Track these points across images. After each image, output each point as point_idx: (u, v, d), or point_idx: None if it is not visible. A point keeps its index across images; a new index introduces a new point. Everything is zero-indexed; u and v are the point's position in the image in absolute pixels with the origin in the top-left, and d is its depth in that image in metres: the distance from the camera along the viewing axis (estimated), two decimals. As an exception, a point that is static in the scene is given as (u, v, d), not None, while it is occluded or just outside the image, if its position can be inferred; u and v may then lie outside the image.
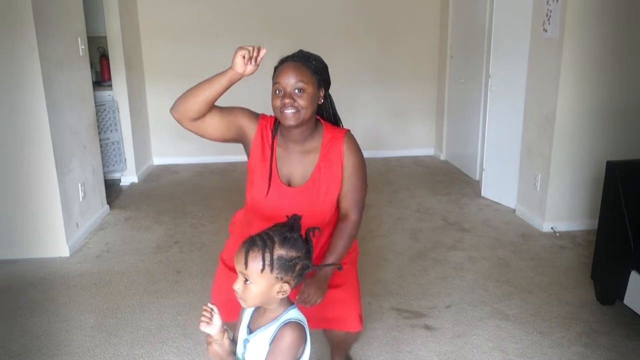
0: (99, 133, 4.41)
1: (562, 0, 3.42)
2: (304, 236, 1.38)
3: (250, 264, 1.29)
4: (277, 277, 1.30)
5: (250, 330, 1.41)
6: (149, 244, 3.65)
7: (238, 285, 1.33)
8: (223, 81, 1.67)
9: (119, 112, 4.88)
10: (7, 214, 3.37)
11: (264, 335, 1.36)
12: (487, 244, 3.58)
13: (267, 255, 1.29)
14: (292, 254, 1.32)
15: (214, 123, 1.76)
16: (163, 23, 5.40)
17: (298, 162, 1.83)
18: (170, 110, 1.76)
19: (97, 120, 4.34)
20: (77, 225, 3.63)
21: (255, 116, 1.87)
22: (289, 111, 1.71)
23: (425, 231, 3.81)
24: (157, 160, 5.72)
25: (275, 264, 1.29)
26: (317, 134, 1.84)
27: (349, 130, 1.89)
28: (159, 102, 5.56)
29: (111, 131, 4.86)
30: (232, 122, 1.81)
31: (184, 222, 4.02)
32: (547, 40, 3.62)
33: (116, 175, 5.02)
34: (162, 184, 5.09)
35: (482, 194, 4.47)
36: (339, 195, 1.87)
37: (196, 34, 5.44)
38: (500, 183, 4.29)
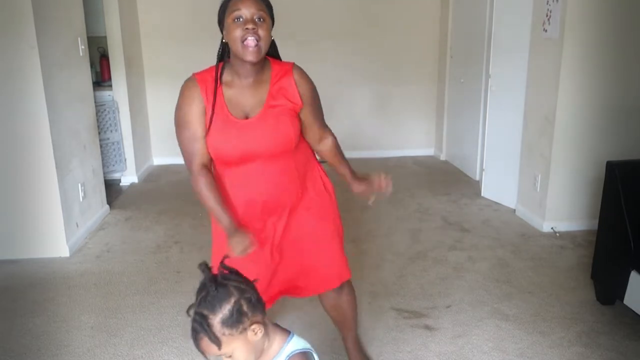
0: (99, 133, 4.41)
1: (562, 0, 3.42)
2: (217, 275, 1.27)
3: (209, 349, 1.23)
4: (240, 332, 1.23)
5: None
6: (149, 244, 3.65)
7: None
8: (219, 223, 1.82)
9: (119, 112, 4.88)
10: (7, 214, 3.37)
11: None
12: (487, 244, 3.58)
13: (211, 334, 1.21)
14: (228, 307, 1.22)
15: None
16: (163, 23, 5.39)
17: (250, 95, 1.76)
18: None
19: (97, 120, 4.34)
20: (77, 226, 3.63)
21: (194, 94, 1.77)
22: (252, 39, 1.64)
23: (425, 231, 3.81)
24: (157, 160, 5.72)
25: (225, 329, 1.22)
26: (265, 67, 1.79)
27: (294, 63, 1.85)
28: (159, 102, 5.56)
29: (111, 131, 4.86)
30: (203, 133, 1.78)
31: (184, 222, 4.02)
32: (547, 40, 3.62)
33: (116, 176, 5.02)
34: (162, 184, 5.09)
35: (482, 194, 4.47)
36: (301, 124, 1.83)
37: (196, 34, 5.43)
38: (500, 183, 4.29)
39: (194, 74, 1.81)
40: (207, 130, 1.75)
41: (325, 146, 1.97)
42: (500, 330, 2.58)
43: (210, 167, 1.83)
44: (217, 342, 1.21)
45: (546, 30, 3.61)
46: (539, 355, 2.38)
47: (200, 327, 1.21)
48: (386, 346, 2.46)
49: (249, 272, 1.36)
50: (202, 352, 1.25)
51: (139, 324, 2.67)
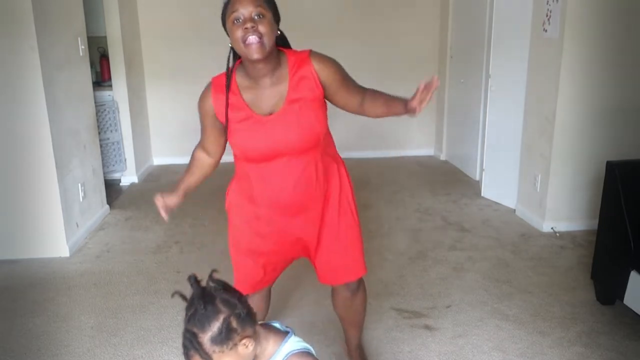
0: (99, 133, 4.41)
1: (562, 0, 3.42)
2: (205, 289, 1.25)
3: None
4: (231, 348, 1.23)
5: None
6: (149, 244, 3.65)
7: None
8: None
9: (119, 112, 4.88)
10: (7, 214, 3.37)
11: None
12: (487, 244, 3.58)
13: (202, 352, 1.21)
14: (217, 324, 1.21)
15: (220, 148, 1.92)
16: (163, 23, 5.39)
17: (270, 94, 1.74)
18: None
19: (97, 120, 4.34)
20: (77, 225, 3.63)
21: (206, 97, 1.80)
22: (253, 37, 1.61)
23: (425, 231, 3.81)
24: (157, 160, 5.72)
25: (215, 347, 1.21)
26: (282, 61, 1.76)
27: (311, 50, 1.80)
28: (159, 102, 5.57)
29: (111, 131, 4.86)
30: (214, 130, 1.84)
31: (184, 222, 4.02)
32: (547, 40, 3.62)
33: (116, 176, 5.02)
34: (162, 184, 5.09)
35: (482, 194, 4.47)
36: (335, 98, 1.83)
37: (196, 34, 5.44)
38: (500, 183, 4.29)
39: (213, 78, 1.82)
40: (227, 130, 1.78)
41: (367, 103, 1.89)
42: (500, 330, 2.58)
43: (211, 154, 1.94)
44: (208, 359, 1.21)
45: (546, 30, 3.61)
46: (539, 355, 2.38)
47: (191, 345, 1.21)
48: (386, 346, 2.46)
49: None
50: None
51: (139, 324, 2.67)
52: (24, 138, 3.26)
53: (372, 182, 4.81)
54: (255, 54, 1.64)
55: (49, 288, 3.06)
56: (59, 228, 3.41)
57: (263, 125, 1.73)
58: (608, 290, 2.75)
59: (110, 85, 4.89)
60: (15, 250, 3.41)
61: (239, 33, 1.63)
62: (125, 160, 4.99)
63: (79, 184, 3.69)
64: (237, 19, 1.64)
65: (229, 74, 1.76)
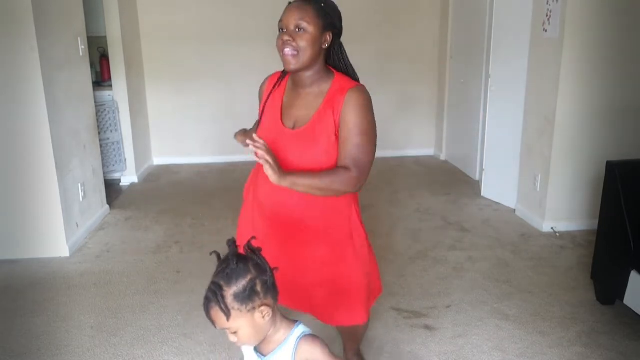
0: (99, 133, 4.41)
1: (562, 0, 3.42)
2: (244, 254, 1.32)
3: (218, 319, 1.28)
4: (249, 310, 1.27)
5: (262, 354, 1.39)
6: (149, 244, 3.65)
7: (231, 338, 1.31)
8: None
9: (119, 112, 4.88)
10: (7, 214, 3.37)
11: (281, 356, 1.36)
12: (487, 244, 3.58)
13: (223, 304, 1.25)
14: (244, 282, 1.26)
15: None
16: (163, 23, 5.39)
17: (303, 106, 1.77)
18: None
19: (97, 120, 4.34)
20: (77, 225, 3.63)
21: (263, 84, 1.94)
22: (288, 50, 1.68)
23: (425, 231, 3.81)
24: (157, 160, 5.72)
25: (235, 303, 1.25)
26: (327, 80, 1.76)
27: (360, 85, 1.76)
28: (159, 102, 5.56)
29: (111, 131, 4.86)
30: None
31: (184, 222, 4.02)
32: (547, 40, 3.62)
33: (116, 175, 5.02)
34: (162, 184, 5.09)
35: (482, 194, 4.48)
36: (336, 150, 1.71)
37: (196, 34, 5.44)
38: (500, 183, 4.29)
39: (276, 72, 1.93)
40: (260, 118, 1.87)
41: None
42: (500, 330, 2.58)
43: None
44: (227, 313, 1.25)
45: (546, 30, 3.61)
46: (539, 355, 2.38)
47: (214, 296, 1.26)
48: (386, 346, 2.46)
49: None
50: (212, 321, 1.29)
51: (139, 324, 2.67)
52: (24, 138, 3.26)
53: (372, 182, 4.80)
54: (288, 64, 1.71)
55: (49, 288, 3.06)
56: (59, 228, 3.41)
57: (279, 134, 1.76)
58: (608, 290, 2.75)
59: (110, 85, 4.89)
60: (15, 250, 3.41)
61: (279, 42, 1.71)
62: (125, 160, 4.99)
63: (79, 184, 3.68)
64: (282, 29, 1.71)
65: (283, 73, 1.86)
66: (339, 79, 1.77)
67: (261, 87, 1.93)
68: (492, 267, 3.24)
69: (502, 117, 4.18)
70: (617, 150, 3.53)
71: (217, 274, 1.29)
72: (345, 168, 1.68)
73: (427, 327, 2.61)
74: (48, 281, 3.13)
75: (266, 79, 1.93)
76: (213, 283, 1.28)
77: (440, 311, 2.75)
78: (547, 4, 3.57)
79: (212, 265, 1.36)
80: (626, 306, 2.52)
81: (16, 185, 3.32)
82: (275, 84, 1.86)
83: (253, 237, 1.38)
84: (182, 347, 2.47)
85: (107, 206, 4.24)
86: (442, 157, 5.75)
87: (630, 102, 3.62)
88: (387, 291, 2.95)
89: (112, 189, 4.74)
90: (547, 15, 3.58)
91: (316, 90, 1.76)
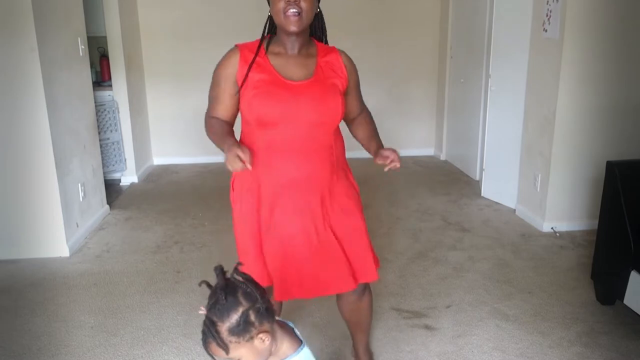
0: (99, 133, 4.41)
1: (562, 0, 3.42)
2: (229, 281, 1.28)
3: (218, 353, 1.27)
4: (247, 340, 1.26)
5: None
6: (149, 244, 3.65)
7: None
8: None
9: (119, 112, 4.88)
10: (7, 214, 3.37)
11: None
12: (487, 244, 3.58)
13: (219, 340, 1.24)
14: (236, 317, 1.24)
15: (234, 112, 1.87)
16: (163, 23, 5.40)
17: (298, 66, 1.80)
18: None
19: (97, 120, 4.34)
20: (77, 225, 3.63)
21: (231, 57, 1.81)
22: (293, 11, 1.69)
23: (425, 231, 3.81)
24: (157, 160, 5.72)
25: (232, 337, 1.24)
26: (312, 43, 1.88)
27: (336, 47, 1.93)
28: (159, 102, 5.57)
29: (111, 131, 4.86)
30: (228, 97, 1.83)
31: (184, 222, 4.02)
32: (547, 40, 3.62)
33: (116, 175, 5.02)
34: (162, 184, 5.09)
35: (482, 194, 4.47)
36: (344, 99, 1.87)
37: (196, 34, 5.44)
38: (500, 183, 4.29)
39: (237, 44, 1.85)
40: (241, 91, 1.79)
41: (359, 118, 2.03)
42: (500, 330, 2.58)
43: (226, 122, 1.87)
44: (225, 347, 1.25)
45: (546, 30, 3.61)
46: (539, 355, 2.38)
47: (209, 333, 1.25)
48: (386, 346, 2.46)
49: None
50: (211, 355, 1.29)
51: (139, 324, 2.67)
52: (24, 138, 3.26)
53: (372, 182, 4.80)
54: (292, 26, 1.72)
55: (49, 288, 3.06)
56: (59, 228, 3.41)
57: (287, 89, 1.76)
58: (608, 290, 2.75)
59: (110, 85, 4.89)
60: (16, 250, 3.41)
61: (281, 4, 1.71)
62: (125, 160, 4.99)
63: (79, 184, 3.68)
64: None
65: (262, 38, 1.84)
66: (318, 43, 1.90)
67: (228, 61, 1.81)
68: (492, 267, 3.24)
69: (502, 117, 4.18)
70: (617, 150, 3.53)
71: (209, 308, 1.27)
72: (367, 112, 2.07)
73: (427, 327, 2.61)
74: (48, 281, 3.13)
75: (232, 52, 1.82)
76: (207, 318, 1.27)
77: (440, 311, 2.75)
78: (547, 4, 3.56)
79: (212, 265, 1.35)
80: (626, 306, 2.52)
81: (16, 185, 3.32)
82: (257, 52, 1.79)
83: (239, 264, 1.34)
84: (182, 347, 2.47)
85: (107, 206, 4.24)
86: (442, 157, 5.75)
87: (631, 102, 3.61)
88: (387, 291, 2.95)
89: (112, 189, 4.74)
90: (547, 15, 3.58)
91: (305, 53, 1.83)
